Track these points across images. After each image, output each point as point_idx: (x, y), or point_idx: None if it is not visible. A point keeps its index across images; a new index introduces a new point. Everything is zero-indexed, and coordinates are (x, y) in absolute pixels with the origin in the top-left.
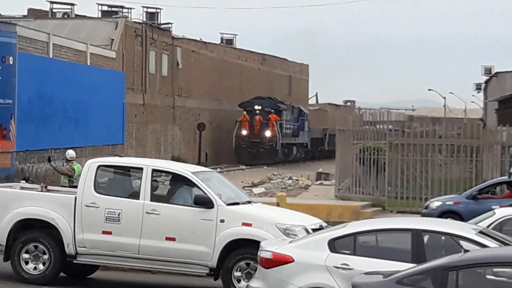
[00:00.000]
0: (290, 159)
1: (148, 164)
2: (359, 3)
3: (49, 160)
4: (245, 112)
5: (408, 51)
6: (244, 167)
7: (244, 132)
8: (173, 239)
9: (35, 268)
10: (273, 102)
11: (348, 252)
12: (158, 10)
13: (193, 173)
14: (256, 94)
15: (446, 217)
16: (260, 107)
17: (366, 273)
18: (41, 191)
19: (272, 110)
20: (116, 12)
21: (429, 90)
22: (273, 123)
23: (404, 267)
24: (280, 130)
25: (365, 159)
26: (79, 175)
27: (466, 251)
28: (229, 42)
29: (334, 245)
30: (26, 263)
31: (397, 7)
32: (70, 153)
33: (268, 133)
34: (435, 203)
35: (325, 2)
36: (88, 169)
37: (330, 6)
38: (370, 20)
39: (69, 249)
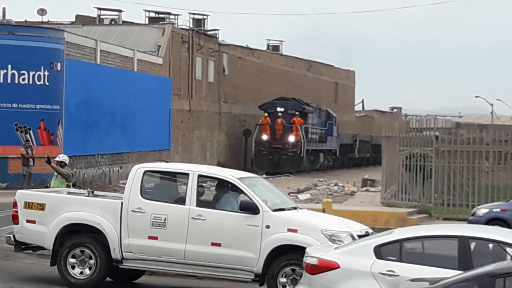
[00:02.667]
0: (316, 167)
1: (194, 169)
2: (407, 10)
3: (49, 162)
4: (266, 114)
5: (455, 57)
6: (290, 174)
7: (265, 137)
8: (218, 245)
9: (81, 273)
10: (297, 104)
11: (394, 258)
12: (205, 17)
13: (239, 178)
14: (304, 100)
15: (493, 224)
16: (283, 109)
17: (412, 280)
18: (88, 196)
19: (297, 113)
20: (163, 19)
21: (476, 97)
22: (298, 127)
23: (450, 274)
24: (305, 134)
25: (412, 165)
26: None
27: None
28: (276, 48)
29: (380, 252)
30: (73, 267)
31: (445, 13)
32: (67, 158)
33: (291, 138)
34: (482, 210)
35: (373, 8)
36: (135, 174)
37: (377, 12)
38: (418, 27)
39: (115, 254)
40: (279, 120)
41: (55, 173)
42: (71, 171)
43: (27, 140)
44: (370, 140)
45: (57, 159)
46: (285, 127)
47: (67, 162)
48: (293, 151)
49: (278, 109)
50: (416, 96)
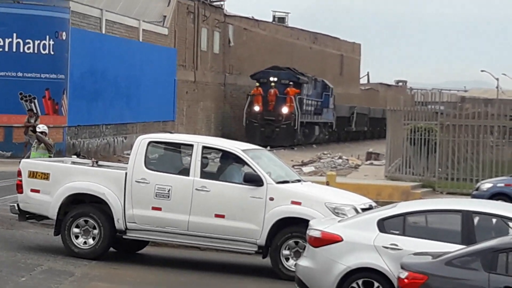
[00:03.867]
0: (311, 140)
1: (198, 141)
2: None
3: (34, 131)
4: (258, 84)
5: (461, 32)
6: (294, 147)
7: (257, 108)
8: (222, 216)
9: (85, 243)
10: (291, 73)
11: (397, 232)
12: None
13: (243, 150)
14: (309, 72)
15: (496, 199)
16: (276, 79)
17: (415, 254)
18: (92, 166)
19: (291, 83)
20: None
21: (482, 71)
22: (291, 97)
23: (453, 249)
24: (300, 106)
25: (416, 139)
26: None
27: None
28: (281, 20)
29: (384, 225)
30: (76, 237)
31: None
32: (45, 127)
33: (285, 110)
34: (486, 185)
35: None
36: (139, 145)
37: None
38: (425, 0)
39: (119, 225)
40: (272, 91)
41: (35, 144)
42: (52, 141)
43: (30, 109)
44: (368, 113)
45: (37, 129)
46: (278, 98)
47: (47, 132)
48: (287, 124)
49: (271, 78)
50: (422, 69)
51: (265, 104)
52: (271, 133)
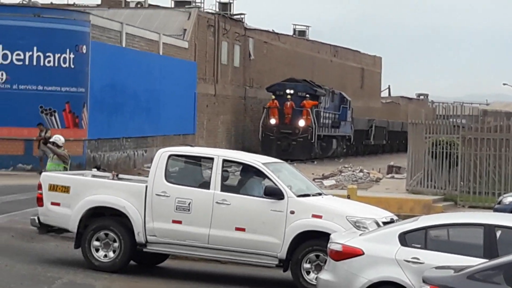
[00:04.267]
0: (328, 154)
1: (219, 154)
2: None
3: (45, 143)
4: (273, 97)
5: (483, 45)
6: (314, 160)
7: (273, 121)
8: (242, 230)
9: (105, 256)
10: (308, 85)
11: (419, 246)
12: (231, 1)
13: (264, 164)
14: (328, 87)
15: None
16: (292, 91)
17: (437, 268)
18: (113, 179)
19: (307, 95)
20: (189, 2)
21: (504, 84)
22: (308, 110)
23: (475, 262)
24: (317, 119)
25: (438, 153)
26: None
27: None
28: (302, 33)
29: (405, 239)
30: (97, 250)
31: (471, 1)
32: (62, 138)
33: (301, 123)
34: (508, 199)
35: None
36: (159, 158)
37: None
38: (446, 12)
39: (139, 238)
40: (288, 103)
41: (51, 155)
42: (67, 152)
43: (39, 124)
44: (386, 126)
45: (51, 139)
46: (294, 110)
47: (59, 143)
48: (303, 137)
49: (288, 91)
50: (443, 83)
51: (281, 117)
52: (288, 147)
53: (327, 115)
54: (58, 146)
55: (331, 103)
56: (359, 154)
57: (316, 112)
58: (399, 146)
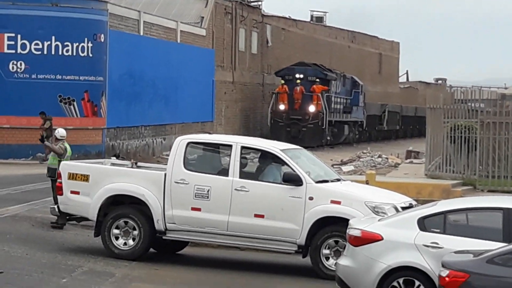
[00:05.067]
0: (340, 140)
1: (237, 141)
2: None
3: (42, 140)
4: (282, 82)
5: (501, 29)
6: (333, 145)
7: (282, 107)
8: (261, 216)
9: (125, 244)
10: (318, 70)
11: (438, 230)
12: None
13: (282, 150)
14: (346, 72)
15: None
16: (302, 76)
17: (456, 252)
18: (131, 167)
19: (318, 80)
20: None
21: None
22: (318, 95)
23: (494, 246)
24: (328, 104)
25: (456, 137)
26: (69, 156)
27: None
28: (319, 19)
29: (424, 224)
30: (117, 238)
31: None
32: (61, 131)
33: (312, 108)
34: None
35: None
36: (178, 146)
37: None
38: None
39: (159, 225)
40: (298, 88)
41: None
42: (64, 145)
43: (42, 112)
44: (400, 111)
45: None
46: (304, 95)
47: (58, 136)
48: (314, 123)
49: (297, 75)
50: (461, 67)
51: (291, 102)
52: (298, 133)
53: (339, 100)
54: (57, 139)
55: (342, 88)
56: (372, 140)
57: (327, 97)
58: (412, 131)
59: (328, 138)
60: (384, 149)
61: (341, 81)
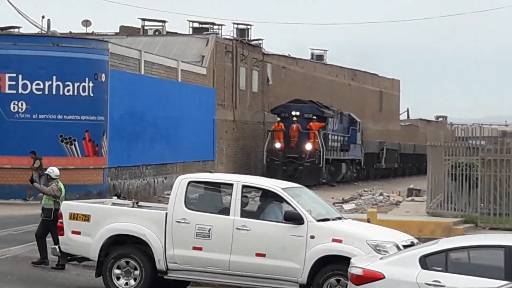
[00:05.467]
0: (338, 179)
1: (238, 180)
2: (450, 18)
3: (32, 181)
4: (278, 119)
5: (502, 66)
6: (334, 183)
7: (278, 145)
8: (263, 255)
9: (126, 284)
10: (315, 107)
11: (439, 269)
12: (249, 27)
13: (283, 189)
14: (347, 110)
15: None
16: (298, 113)
17: None
18: (133, 207)
19: (314, 117)
20: (207, 29)
21: None
22: (315, 133)
23: (496, 285)
24: (325, 142)
25: (457, 175)
26: (64, 196)
27: None
28: (319, 57)
29: (426, 262)
30: (118, 278)
31: (489, 21)
32: (55, 170)
33: (308, 146)
34: None
35: (417, 17)
36: (179, 185)
37: (421, 21)
38: (461, 35)
39: (160, 265)
40: (294, 126)
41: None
42: (58, 185)
43: (32, 151)
44: (398, 149)
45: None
46: (301, 133)
47: (53, 175)
48: (311, 161)
49: (293, 112)
50: (462, 104)
51: (287, 140)
52: (294, 172)
53: (336, 137)
54: (52, 178)
55: (339, 125)
56: (370, 178)
57: (323, 135)
58: (411, 169)
59: (325, 176)
60: (384, 187)
61: (338, 118)
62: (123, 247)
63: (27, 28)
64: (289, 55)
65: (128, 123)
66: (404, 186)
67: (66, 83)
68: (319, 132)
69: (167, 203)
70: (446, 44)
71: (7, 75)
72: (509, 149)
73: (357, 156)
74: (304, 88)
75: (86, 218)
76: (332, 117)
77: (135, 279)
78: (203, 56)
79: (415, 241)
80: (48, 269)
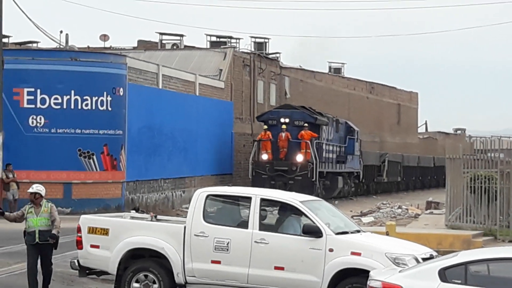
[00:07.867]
0: (333, 194)
1: (256, 193)
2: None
3: (2, 213)
4: (265, 127)
5: None
6: (353, 197)
7: (265, 157)
8: (281, 268)
9: None
10: (306, 113)
11: (459, 281)
12: (266, 40)
13: (301, 202)
14: (365, 123)
15: None
16: (287, 120)
17: None
18: (151, 220)
19: (306, 125)
20: (225, 43)
21: None
22: (307, 143)
23: None
24: (318, 153)
25: (476, 187)
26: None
27: None
28: (337, 71)
29: (445, 275)
30: None
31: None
32: (34, 188)
33: (299, 158)
34: None
35: (436, 29)
36: (197, 198)
37: (440, 33)
38: (481, 47)
39: (179, 279)
40: (283, 134)
41: (30, 210)
42: (25, 210)
43: (8, 164)
44: (401, 161)
45: (30, 189)
46: (291, 143)
47: (42, 193)
48: (302, 175)
49: (282, 120)
50: (481, 117)
51: (275, 151)
52: (284, 187)
53: (331, 148)
54: (41, 196)
55: (335, 134)
56: (370, 193)
57: (317, 145)
58: (415, 184)
59: (320, 191)
60: (403, 200)
61: (333, 126)
62: (142, 260)
63: (45, 43)
64: (301, 66)
65: (146, 137)
66: (410, 200)
67: (84, 97)
68: (312, 142)
69: (185, 217)
70: (465, 57)
71: (25, 90)
72: None
73: (355, 169)
74: (321, 101)
75: (105, 232)
76: (327, 125)
77: None
78: (221, 70)
79: (434, 254)
80: (67, 283)
